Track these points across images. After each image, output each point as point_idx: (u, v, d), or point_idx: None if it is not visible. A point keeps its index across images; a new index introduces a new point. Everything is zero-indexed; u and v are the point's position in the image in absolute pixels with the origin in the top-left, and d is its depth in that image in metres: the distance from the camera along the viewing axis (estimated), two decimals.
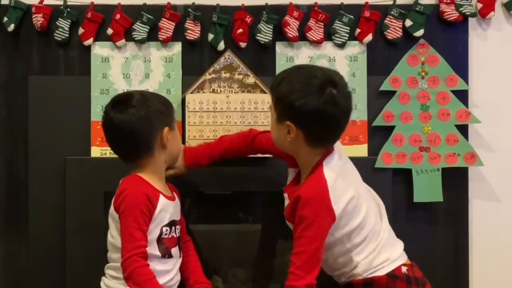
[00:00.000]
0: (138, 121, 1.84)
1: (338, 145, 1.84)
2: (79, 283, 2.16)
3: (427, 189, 2.25)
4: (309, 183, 1.76)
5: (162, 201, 1.85)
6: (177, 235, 1.90)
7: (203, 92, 2.20)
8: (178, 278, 1.91)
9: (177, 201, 1.95)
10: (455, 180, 2.28)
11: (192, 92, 2.19)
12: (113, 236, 1.85)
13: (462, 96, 2.27)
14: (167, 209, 1.87)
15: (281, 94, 1.75)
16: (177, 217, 1.92)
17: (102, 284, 1.88)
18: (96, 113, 2.23)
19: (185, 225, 2.01)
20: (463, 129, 2.27)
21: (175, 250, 1.89)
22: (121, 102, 1.88)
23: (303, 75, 1.74)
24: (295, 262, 1.72)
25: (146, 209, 1.80)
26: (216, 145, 2.06)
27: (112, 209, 1.85)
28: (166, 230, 1.86)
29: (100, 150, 2.22)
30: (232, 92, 2.20)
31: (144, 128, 1.84)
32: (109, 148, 2.18)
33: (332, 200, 1.71)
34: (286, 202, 1.84)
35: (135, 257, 1.75)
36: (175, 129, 1.92)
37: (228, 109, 2.19)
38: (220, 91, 2.20)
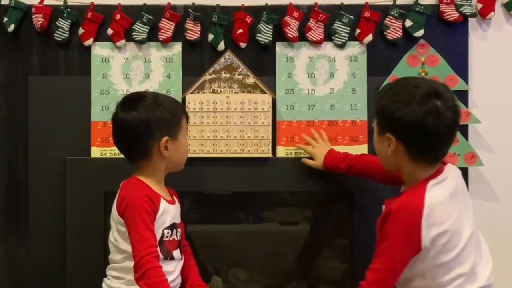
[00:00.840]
0: (137, 125, 1.85)
1: (452, 169, 1.76)
2: (79, 283, 2.16)
3: None
4: (405, 197, 1.69)
5: (163, 204, 1.86)
6: (178, 238, 1.91)
7: (203, 92, 2.20)
8: (179, 280, 1.92)
9: (177, 204, 1.96)
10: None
11: (192, 93, 2.19)
12: (116, 239, 1.86)
13: (462, 96, 2.26)
14: (168, 211, 1.88)
15: (382, 105, 1.72)
16: (178, 220, 1.93)
17: (103, 285, 1.89)
18: (96, 113, 2.23)
19: (184, 230, 2.01)
20: (463, 129, 2.27)
21: (176, 253, 1.90)
22: (130, 102, 1.90)
23: (405, 86, 1.69)
24: (368, 277, 1.68)
25: (150, 209, 1.81)
26: (357, 157, 2.07)
27: (115, 212, 1.85)
28: (168, 232, 1.86)
29: (100, 150, 2.22)
30: (232, 92, 2.20)
31: (142, 132, 1.85)
32: (109, 148, 2.19)
33: (424, 225, 1.62)
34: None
35: (148, 257, 1.76)
36: (178, 139, 1.90)
37: (228, 110, 2.19)
38: (220, 91, 2.20)
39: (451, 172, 1.74)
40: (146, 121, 1.85)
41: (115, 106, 1.92)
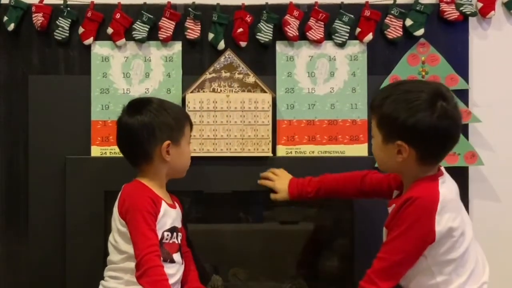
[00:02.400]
0: (140, 128, 1.86)
1: (447, 173, 1.77)
2: (79, 283, 2.16)
3: None
4: (421, 188, 1.67)
5: (164, 206, 1.87)
6: (179, 242, 1.91)
7: (203, 91, 2.20)
8: (179, 286, 1.92)
9: (178, 209, 1.96)
10: (455, 180, 2.25)
11: (192, 92, 2.19)
12: (116, 240, 1.86)
13: (463, 95, 2.26)
14: (169, 214, 1.89)
15: (387, 113, 1.69)
16: (179, 225, 1.93)
17: (101, 287, 1.89)
18: (96, 113, 2.23)
19: (185, 236, 2.01)
20: (464, 129, 2.24)
21: (177, 256, 1.90)
22: (135, 105, 1.92)
23: (407, 92, 1.68)
24: (374, 265, 1.67)
25: (152, 210, 1.82)
26: (322, 177, 2.05)
27: (116, 214, 1.85)
28: (168, 235, 1.87)
29: (100, 150, 2.22)
30: (232, 91, 2.20)
31: (144, 136, 1.86)
32: (109, 147, 2.20)
33: (437, 215, 1.63)
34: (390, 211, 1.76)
35: (150, 256, 1.76)
36: (180, 145, 1.92)
37: (228, 109, 2.19)
38: (220, 90, 2.20)
39: (447, 175, 1.77)
40: (148, 125, 1.86)
41: (121, 109, 1.93)
